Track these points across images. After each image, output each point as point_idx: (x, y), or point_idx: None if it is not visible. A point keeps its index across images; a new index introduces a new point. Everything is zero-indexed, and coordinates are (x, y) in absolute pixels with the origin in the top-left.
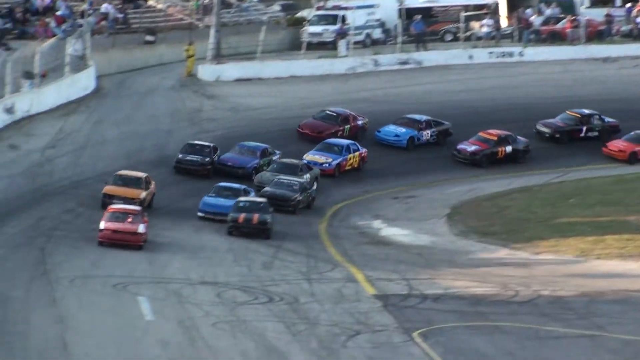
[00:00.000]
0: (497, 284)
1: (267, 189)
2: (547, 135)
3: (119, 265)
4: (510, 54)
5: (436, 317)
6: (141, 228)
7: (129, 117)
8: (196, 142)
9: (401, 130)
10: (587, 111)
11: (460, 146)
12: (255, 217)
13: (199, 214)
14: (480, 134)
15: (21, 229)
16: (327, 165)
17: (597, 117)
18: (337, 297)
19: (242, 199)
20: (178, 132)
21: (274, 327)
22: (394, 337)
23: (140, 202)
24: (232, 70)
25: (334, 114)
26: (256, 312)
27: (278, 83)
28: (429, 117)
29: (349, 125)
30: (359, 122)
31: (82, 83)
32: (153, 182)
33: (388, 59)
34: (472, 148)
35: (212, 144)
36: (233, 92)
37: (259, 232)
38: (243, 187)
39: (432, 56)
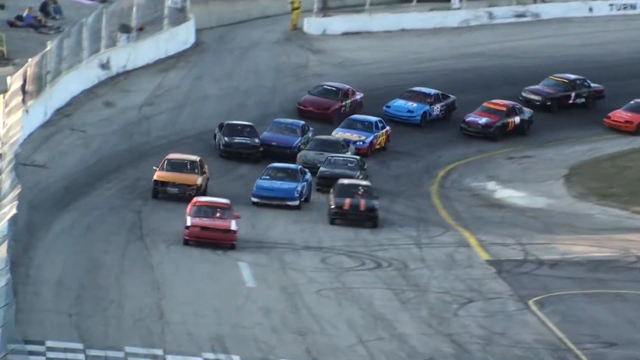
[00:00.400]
0: (618, 249)
1: (324, 169)
2: (537, 103)
3: None
4: (633, 6)
5: (553, 284)
6: (233, 225)
7: (230, 72)
8: (236, 122)
9: (413, 105)
10: (572, 76)
11: (469, 119)
12: (362, 202)
13: (253, 199)
14: (486, 104)
15: (117, 190)
16: (362, 143)
17: (584, 82)
18: (448, 262)
19: (344, 182)
20: (282, 88)
21: (382, 295)
22: (508, 305)
23: (197, 189)
24: (339, 23)
25: (334, 89)
26: (363, 279)
27: (387, 37)
28: (437, 91)
29: (349, 101)
30: (357, 97)
31: (181, 37)
32: (206, 166)
33: (503, 12)
34: (484, 120)
35: (251, 123)
36: (340, 46)
37: (366, 220)
38: (299, 167)
39: (550, 9)
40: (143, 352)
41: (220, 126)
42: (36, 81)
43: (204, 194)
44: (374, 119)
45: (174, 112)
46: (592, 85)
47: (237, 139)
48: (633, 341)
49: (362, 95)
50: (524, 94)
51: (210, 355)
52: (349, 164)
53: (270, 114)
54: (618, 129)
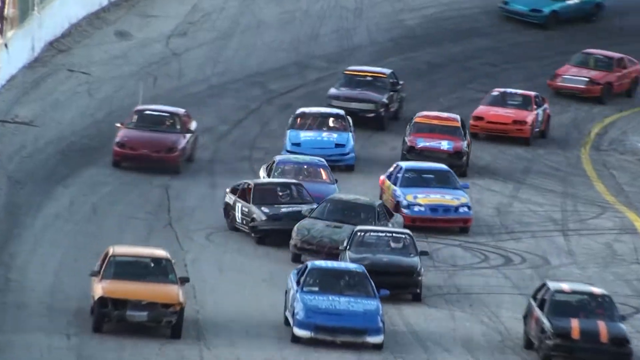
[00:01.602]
0: None
1: (355, 255)
2: None
3: None
4: None
5: None
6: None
7: None
8: (268, 181)
9: None
10: None
11: None
12: (603, 328)
13: (299, 331)
14: None
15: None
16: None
17: None
18: (607, 256)
19: (559, 287)
20: (371, 9)
21: (512, 302)
22: None
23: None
24: None
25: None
26: (485, 280)
27: None
28: None
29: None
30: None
31: None
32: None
33: None
34: None
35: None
36: None
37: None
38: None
39: None
40: None
41: (235, 190)
42: (19, 3)
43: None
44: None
45: (215, 45)
46: None
47: (284, 209)
48: None
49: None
50: None
51: None
52: (397, 244)
53: (356, 46)
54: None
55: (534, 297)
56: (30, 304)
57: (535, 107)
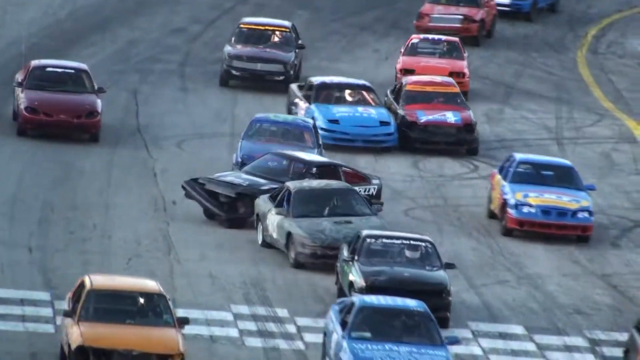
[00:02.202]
0: None
1: (366, 268)
2: None
3: None
4: None
5: None
6: None
7: None
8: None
9: None
10: None
11: None
12: None
13: None
14: None
15: (103, 58)
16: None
17: None
18: (604, 167)
19: None
20: None
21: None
22: None
23: None
24: None
25: None
26: (473, 191)
27: None
28: None
29: None
30: None
31: None
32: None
33: None
34: None
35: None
36: None
37: None
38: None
39: None
40: None
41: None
42: None
43: None
44: None
45: None
46: None
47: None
48: None
49: None
50: None
51: None
52: (414, 253)
53: None
54: None
55: None
56: None
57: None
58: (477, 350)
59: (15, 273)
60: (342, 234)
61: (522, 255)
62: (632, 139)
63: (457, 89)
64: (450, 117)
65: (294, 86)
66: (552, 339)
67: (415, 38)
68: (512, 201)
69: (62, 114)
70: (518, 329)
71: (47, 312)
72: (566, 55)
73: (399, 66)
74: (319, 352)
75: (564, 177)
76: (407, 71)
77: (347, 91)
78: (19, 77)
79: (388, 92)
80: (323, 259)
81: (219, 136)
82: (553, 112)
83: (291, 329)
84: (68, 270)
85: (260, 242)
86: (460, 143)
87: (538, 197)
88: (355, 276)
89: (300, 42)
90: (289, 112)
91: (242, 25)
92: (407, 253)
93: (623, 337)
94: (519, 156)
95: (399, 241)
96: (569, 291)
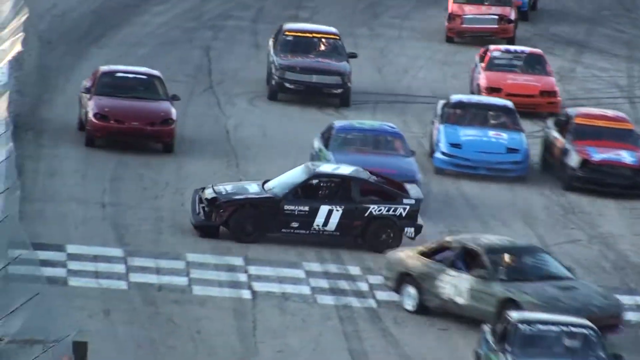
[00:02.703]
0: None
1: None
2: None
3: None
4: None
5: None
6: None
7: None
8: None
9: None
10: None
11: None
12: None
13: None
14: None
15: (173, 16)
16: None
17: None
18: None
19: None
20: None
21: None
22: None
23: None
24: None
25: None
26: None
27: None
28: None
29: None
30: None
31: None
32: None
33: None
34: None
35: None
36: None
37: None
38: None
39: None
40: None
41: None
42: None
43: None
44: None
45: None
46: None
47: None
48: None
49: None
50: None
51: None
52: (573, 341)
53: None
54: None
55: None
56: (61, 172)
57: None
58: None
59: (88, 230)
60: (579, 302)
61: (593, 213)
62: None
63: (631, 125)
64: (627, 157)
65: (439, 104)
66: (625, 299)
67: (494, 50)
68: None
69: (134, 121)
70: None
71: (120, 268)
72: (637, 14)
73: (483, 84)
74: (390, 310)
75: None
76: (493, 89)
77: (483, 112)
78: (87, 83)
79: (549, 121)
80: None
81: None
82: (625, 71)
83: (363, 286)
84: (141, 227)
85: (411, 307)
86: (637, 186)
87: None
88: None
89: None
90: None
91: (286, 32)
92: (566, 341)
93: None
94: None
95: (557, 328)
96: None
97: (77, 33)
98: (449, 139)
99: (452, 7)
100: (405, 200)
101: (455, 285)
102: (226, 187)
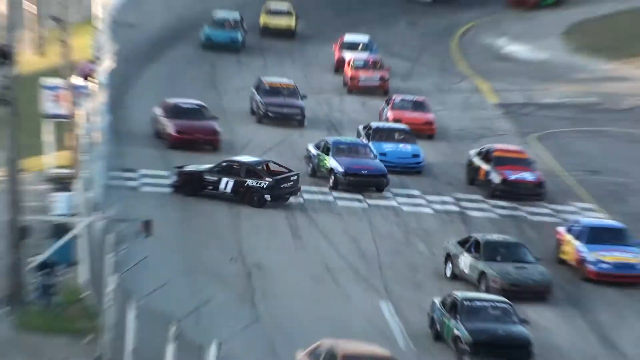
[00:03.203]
0: (604, 95)
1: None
2: None
3: None
4: None
5: (550, 123)
6: None
7: None
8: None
9: None
10: None
11: None
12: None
13: None
14: None
15: (194, 47)
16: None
17: None
18: (463, 104)
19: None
20: None
21: None
22: (513, 140)
23: None
24: None
25: None
26: None
27: None
28: None
29: None
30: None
31: None
32: None
33: None
34: None
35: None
36: None
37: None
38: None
39: None
40: None
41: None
42: None
43: None
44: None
45: None
46: None
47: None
48: (613, 169)
49: None
50: None
51: None
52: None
53: None
54: None
55: None
56: (136, 130)
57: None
58: None
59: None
60: (522, 276)
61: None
62: (478, 90)
63: (528, 155)
64: (529, 176)
65: (360, 127)
66: None
67: (396, 97)
68: (591, 259)
69: (198, 134)
70: None
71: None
72: (445, 46)
73: (390, 117)
74: None
75: (622, 237)
76: (397, 120)
77: (392, 132)
78: (158, 110)
79: (472, 152)
80: (507, 293)
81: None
82: (437, 75)
83: None
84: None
85: (448, 274)
86: (537, 194)
87: (610, 255)
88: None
89: (303, 93)
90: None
91: (265, 83)
92: (493, 312)
93: None
94: (586, 221)
95: (487, 303)
96: None
97: (145, 53)
98: (378, 149)
99: (351, 72)
100: (267, 179)
101: (464, 262)
102: (190, 167)
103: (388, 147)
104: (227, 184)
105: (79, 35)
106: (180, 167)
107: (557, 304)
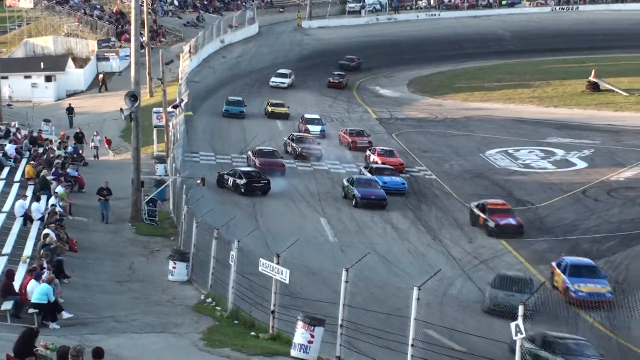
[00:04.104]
0: (428, 112)
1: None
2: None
3: None
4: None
5: (402, 127)
6: None
7: None
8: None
9: None
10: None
11: None
12: None
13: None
14: None
15: (243, 86)
16: None
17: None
18: (359, 119)
19: None
20: None
21: None
22: (384, 136)
23: None
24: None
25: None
26: None
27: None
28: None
29: None
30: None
31: None
32: None
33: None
34: None
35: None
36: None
37: None
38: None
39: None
40: None
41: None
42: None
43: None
44: None
45: None
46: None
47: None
48: (434, 150)
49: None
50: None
51: None
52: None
53: None
54: None
55: None
56: (198, 135)
57: None
58: None
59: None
60: (508, 302)
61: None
62: (368, 113)
63: (510, 206)
64: (512, 221)
65: (362, 167)
66: None
67: (379, 148)
68: (572, 288)
69: (273, 166)
70: None
71: None
72: (351, 92)
73: (379, 162)
74: None
75: (594, 272)
76: (383, 163)
77: (385, 170)
78: (250, 152)
79: (472, 205)
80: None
81: None
82: (345, 106)
83: None
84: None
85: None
86: (519, 233)
87: (586, 286)
88: None
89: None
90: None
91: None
92: None
93: None
94: (569, 260)
95: None
96: None
97: (203, 96)
98: (380, 181)
99: (343, 138)
100: (245, 180)
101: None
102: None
103: (384, 179)
104: (233, 181)
105: (170, 86)
106: (220, 172)
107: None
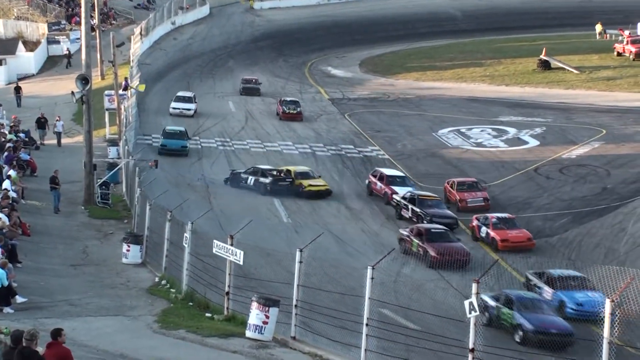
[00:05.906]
0: (381, 92)
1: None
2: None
3: None
4: None
5: (354, 107)
6: None
7: None
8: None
9: None
10: None
11: None
12: None
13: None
14: None
15: (197, 66)
16: None
17: None
18: (312, 100)
19: None
20: None
21: None
22: (337, 116)
23: None
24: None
25: None
26: None
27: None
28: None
29: None
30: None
31: None
32: None
33: None
34: None
35: None
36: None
37: None
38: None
39: None
40: None
41: None
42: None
43: None
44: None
45: None
46: None
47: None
48: (387, 130)
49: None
50: None
51: None
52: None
53: None
54: None
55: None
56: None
57: None
58: None
59: None
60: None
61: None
62: (320, 93)
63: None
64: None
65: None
66: None
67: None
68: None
69: (456, 256)
70: None
71: None
72: (302, 70)
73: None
74: None
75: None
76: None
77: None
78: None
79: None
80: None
81: None
82: (298, 87)
83: None
84: None
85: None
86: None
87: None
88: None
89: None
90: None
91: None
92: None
93: None
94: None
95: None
96: None
97: (158, 73)
98: (572, 301)
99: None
100: (269, 178)
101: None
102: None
103: (579, 296)
104: (254, 180)
105: (121, 69)
106: (234, 170)
107: None
